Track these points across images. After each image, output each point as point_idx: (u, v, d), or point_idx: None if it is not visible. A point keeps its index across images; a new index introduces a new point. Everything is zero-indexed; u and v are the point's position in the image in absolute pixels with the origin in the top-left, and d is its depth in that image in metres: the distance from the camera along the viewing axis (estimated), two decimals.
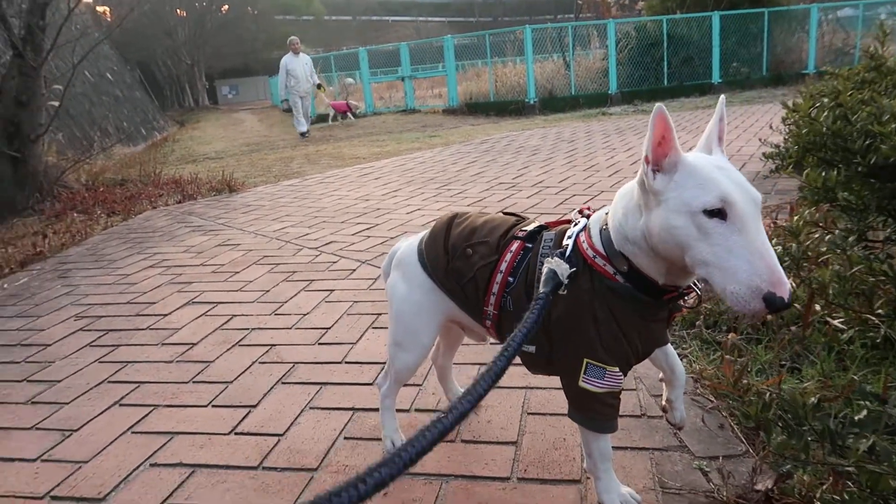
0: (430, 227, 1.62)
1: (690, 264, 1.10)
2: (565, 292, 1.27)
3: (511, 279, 1.39)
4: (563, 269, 1.23)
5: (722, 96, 1.31)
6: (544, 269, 1.25)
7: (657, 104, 1.15)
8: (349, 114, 15.18)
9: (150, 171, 7.94)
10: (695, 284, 1.26)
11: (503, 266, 1.40)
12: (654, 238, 1.15)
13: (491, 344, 2.34)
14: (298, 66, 12.76)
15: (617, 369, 1.29)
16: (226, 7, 48.09)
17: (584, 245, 1.30)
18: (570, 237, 1.33)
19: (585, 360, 1.28)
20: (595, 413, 1.31)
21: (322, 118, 15.91)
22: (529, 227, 1.43)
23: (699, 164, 1.14)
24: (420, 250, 1.57)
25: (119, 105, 18.19)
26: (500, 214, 1.57)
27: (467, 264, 1.46)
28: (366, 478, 0.73)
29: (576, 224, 1.36)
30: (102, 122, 15.06)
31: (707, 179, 1.10)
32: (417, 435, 0.82)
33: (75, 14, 7.62)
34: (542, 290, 1.19)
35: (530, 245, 1.41)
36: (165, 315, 2.97)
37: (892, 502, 1.17)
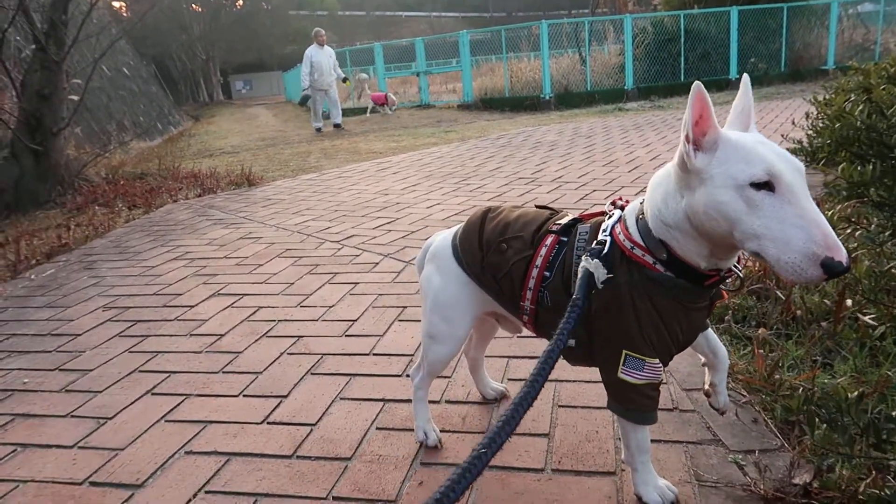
0: (451, 221, 1.63)
1: (740, 239, 1.10)
2: (601, 286, 1.27)
3: (547, 273, 1.39)
4: (601, 273, 1.24)
5: (745, 75, 1.30)
6: (580, 269, 1.26)
7: (696, 82, 1.15)
8: (385, 106, 14.54)
9: (169, 165, 8.00)
10: (735, 267, 1.26)
11: (538, 261, 1.40)
12: (699, 217, 1.14)
13: (518, 337, 2.34)
14: (323, 58, 12.32)
15: (657, 361, 1.29)
16: (240, 2, 48.29)
17: (621, 237, 1.29)
18: (605, 231, 1.32)
19: (624, 352, 1.29)
20: (634, 404, 1.32)
21: (361, 111, 15.81)
22: (563, 221, 1.43)
23: (741, 139, 1.15)
24: (454, 245, 1.58)
25: (135, 100, 18.33)
26: (534, 208, 1.57)
27: (502, 259, 1.46)
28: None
29: (610, 216, 1.36)
30: (119, 117, 15.18)
31: (751, 153, 1.11)
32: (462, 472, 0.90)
33: (94, 10, 7.66)
34: (576, 294, 1.21)
35: (565, 238, 1.41)
36: (192, 307, 3.00)
37: None
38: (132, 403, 2.12)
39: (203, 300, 3.07)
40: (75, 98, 6.93)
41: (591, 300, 1.28)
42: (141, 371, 2.36)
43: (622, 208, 1.37)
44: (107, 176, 7.23)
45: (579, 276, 1.24)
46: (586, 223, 1.42)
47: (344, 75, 13.46)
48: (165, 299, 3.14)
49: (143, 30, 29.21)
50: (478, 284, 1.54)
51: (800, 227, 1.04)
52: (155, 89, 23.38)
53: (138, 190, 6.46)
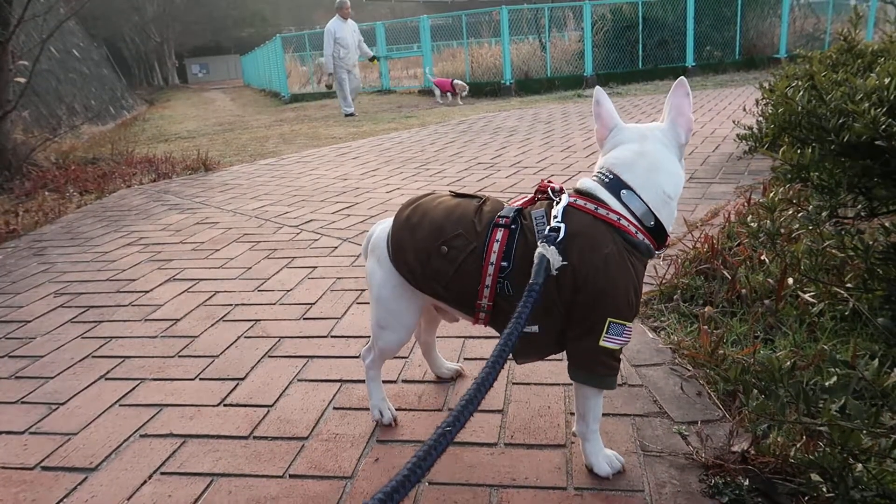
0: None
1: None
2: (555, 272, 1.29)
3: (505, 263, 1.40)
4: (556, 260, 1.27)
5: (682, 78, 1.50)
6: (536, 254, 1.28)
7: (680, 77, 1.39)
8: (448, 94, 12.27)
9: (123, 150, 7.81)
10: None
11: (493, 257, 1.40)
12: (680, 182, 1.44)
13: None
14: (348, 32, 10.78)
15: (631, 324, 1.37)
16: None
17: (600, 210, 1.36)
18: (556, 217, 1.35)
19: (609, 320, 1.34)
20: (605, 369, 1.38)
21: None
22: (507, 214, 1.44)
23: None
24: (391, 256, 1.56)
25: (86, 83, 17.78)
26: (453, 199, 1.56)
27: (446, 262, 1.45)
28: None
29: (557, 202, 1.39)
30: (70, 100, 14.72)
31: None
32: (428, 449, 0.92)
33: None
34: (533, 279, 1.22)
35: (514, 227, 1.42)
36: (147, 292, 2.96)
37: (860, 458, 1.24)
38: (85, 389, 2.09)
39: (158, 285, 3.04)
40: (22, 80, 6.71)
41: (575, 273, 1.33)
42: (94, 356, 2.33)
43: (557, 191, 1.42)
44: (57, 161, 7.03)
45: (535, 262, 1.27)
46: (539, 209, 1.44)
47: (372, 53, 11.82)
48: (119, 285, 3.09)
49: (93, 10, 28.33)
50: (422, 291, 1.54)
51: None
52: (107, 72, 22.71)
53: (90, 175, 6.30)
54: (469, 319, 1.54)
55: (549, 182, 1.46)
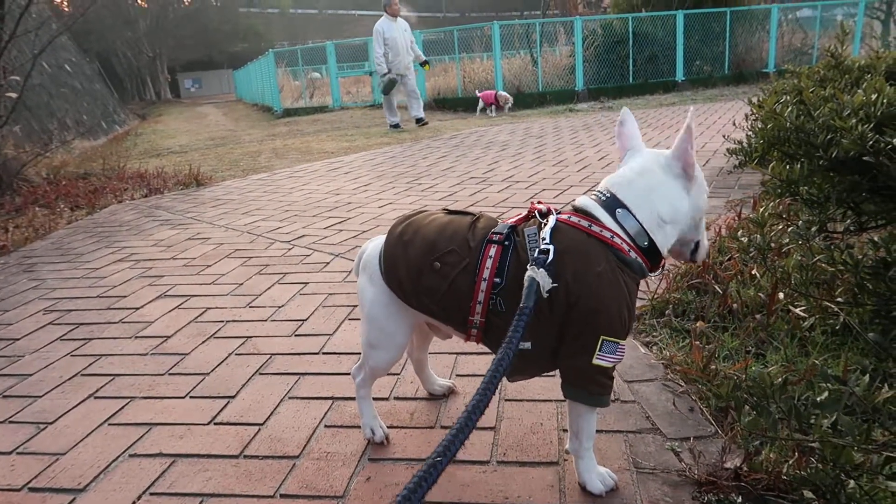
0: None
1: (694, 229, 1.46)
2: (546, 296, 1.29)
3: (498, 280, 1.40)
4: (546, 282, 1.27)
5: (625, 108, 1.55)
6: (526, 277, 1.28)
7: (690, 110, 1.41)
8: (492, 107, 11.77)
9: (114, 165, 7.80)
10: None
11: (486, 273, 1.40)
12: (689, 213, 1.43)
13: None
14: (398, 33, 9.67)
15: (625, 342, 1.37)
16: None
17: (594, 228, 1.37)
18: (545, 239, 1.36)
19: (602, 338, 1.34)
20: (598, 387, 1.38)
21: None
22: (498, 229, 1.45)
23: None
24: (382, 271, 1.55)
25: (78, 97, 17.76)
26: (446, 215, 1.56)
27: (439, 278, 1.45)
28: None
29: (545, 224, 1.40)
30: (61, 115, 14.69)
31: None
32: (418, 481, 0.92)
33: (33, 4, 7.41)
34: (524, 303, 1.23)
35: (507, 243, 1.43)
36: (137, 308, 2.94)
37: (852, 475, 1.24)
38: (74, 408, 2.07)
39: (149, 302, 3.02)
40: (13, 95, 6.70)
41: (567, 291, 1.33)
42: (83, 374, 2.31)
43: (545, 213, 1.44)
44: (48, 176, 7.01)
45: (526, 285, 1.26)
46: (532, 226, 1.45)
47: (424, 58, 10.60)
48: (109, 301, 3.07)
49: (85, 25, 28.38)
50: (413, 308, 1.53)
51: None
52: (99, 87, 22.70)
53: (81, 190, 6.28)
54: (461, 336, 1.53)
55: (539, 203, 1.47)
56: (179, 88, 50.50)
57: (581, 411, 1.43)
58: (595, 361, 1.34)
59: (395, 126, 10.13)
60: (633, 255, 1.37)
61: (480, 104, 12.00)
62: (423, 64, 10.57)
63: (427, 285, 1.46)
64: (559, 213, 1.43)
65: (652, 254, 1.39)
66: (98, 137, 16.09)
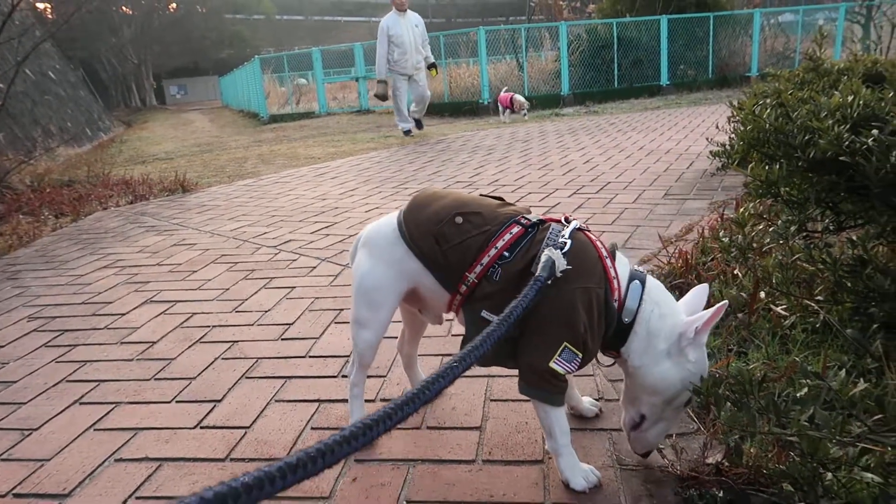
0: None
1: (649, 401, 1.45)
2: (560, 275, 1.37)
3: (507, 254, 1.47)
4: (562, 263, 1.36)
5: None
6: (544, 255, 1.37)
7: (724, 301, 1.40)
8: (508, 111, 11.22)
9: (99, 172, 7.75)
10: None
11: (500, 242, 1.48)
12: (662, 374, 1.41)
13: (453, 335, 2.39)
14: (405, 30, 8.71)
15: (581, 355, 1.40)
16: (174, 5, 47.07)
17: (608, 261, 1.45)
18: (565, 235, 1.44)
19: (565, 344, 1.38)
20: (551, 386, 1.42)
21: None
22: (532, 218, 1.54)
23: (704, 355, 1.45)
24: (399, 220, 1.61)
25: (62, 104, 17.64)
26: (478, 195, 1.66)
27: (456, 230, 1.51)
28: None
29: (566, 226, 1.49)
30: (45, 122, 14.59)
31: (706, 368, 1.45)
32: (436, 377, 0.93)
33: (16, 10, 7.37)
34: (540, 273, 1.32)
35: (531, 230, 1.50)
36: (123, 314, 2.93)
37: (830, 468, 1.26)
38: (59, 414, 2.06)
39: (134, 308, 3.01)
40: None
41: (551, 284, 1.37)
42: (68, 381, 2.30)
43: (568, 221, 1.52)
44: (32, 183, 6.96)
45: (542, 261, 1.35)
46: (549, 223, 1.52)
47: (433, 60, 9.49)
48: (95, 308, 3.06)
49: (69, 32, 28.20)
50: (417, 254, 1.57)
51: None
52: (84, 94, 22.55)
53: (66, 197, 6.24)
54: (444, 302, 1.58)
55: (573, 217, 1.54)
56: (165, 95, 50.29)
57: (545, 409, 1.46)
58: (551, 364, 1.39)
59: (408, 133, 9.39)
60: (615, 306, 1.41)
61: (500, 107, 11.51)
62: (431, 67, 9.44)
63: (442, 231, 1.52)
64: (591, 232, 1.52)
65: (621, 335, 1.43)
66: (83, 144, 15.98)
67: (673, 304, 1.47)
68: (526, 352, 1.43)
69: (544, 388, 1.42)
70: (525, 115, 11.19)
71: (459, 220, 1.52)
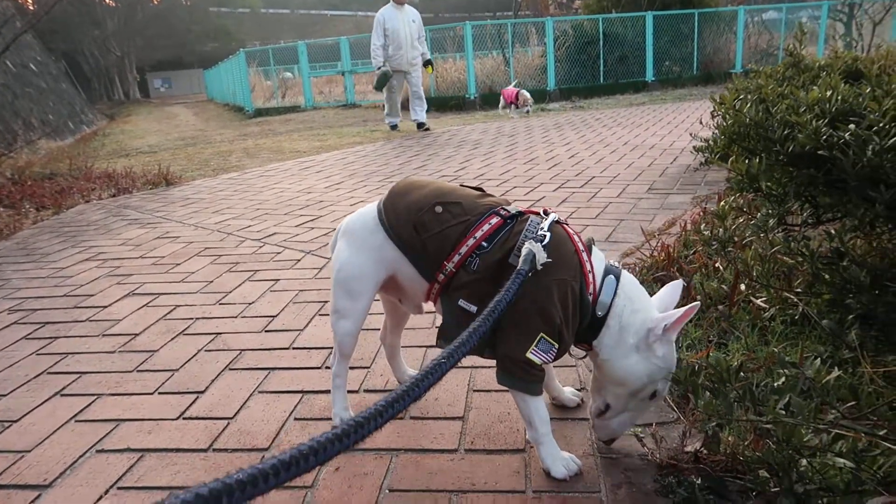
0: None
1: (615, 391, 1.48)
2: (540, 268, 1.38)
3: (485, 244, 1.48)
4: (542, 256, 1.37)
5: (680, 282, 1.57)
6: (524, 249, 1.38)
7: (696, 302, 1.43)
8: (513, 105, 10.98)
9: (81, 165, 7.67)
10: None
11: (479, 233, 1.49)
12: (628, 366, 1.43)
13: (436, 327, 2.40)
14: (401, 24, 8.52)
15: (557, 346, 1.42)
16: None
17: (584, 255, 1.46)
18: (544, 228, 1.46)
19: (541, 335, 1.40)
20: (529, 376, 1.44)
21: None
22: (511, 210, 1.55)
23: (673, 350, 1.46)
24: (379, 208, 1.63)
25: (44, 97, 17.42)
26: (460, 185, 1.67)
27: (435, 219, 1.53)
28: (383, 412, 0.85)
29: (545, 219, 1.50)
30: (26, 115, 14.41)
31: (674, 365, 1.46)
32: (422, 377, 0.95)
33: None
34: (521, 266, 1.33)
35: (510, 221, 1.52)
36: (105, 307, 2.91)
37: (804, 454, 1.29)
38: (40, 405, 2.05)
39: (117, 300, 2.99)
40: None
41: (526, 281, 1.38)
42: (49, 373, 2.29)
43: (546, 214, 1.54)
44: (12, 176, 6.87)
45: (523, 254, 1.37)
46: (527, 216, 1.53)
47: (429, 56, 9.31)
48: (76, 300, 3.04)
49: (51, 24, 27.85)
50: (396, 242, 1.58)
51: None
52: (66, 86, 22.29)
53: (47, 190, 6.18)
54: (422, 291, 1.60)
55: (552, 211, 1.56)
56: (149, 88, 49.77)
57: (524, 399, 1.48)
58: (528, 355, 1.41)
59: (394, 127, 9.19)
60: (590, 299, 1.43)
61: (502, 102, 11.35)
62: (427, 64, 9.20)
63: (422, 220, 1.53)
64: (569, 225, 1.54)
65: (594, 328, 1.45)
66: (65, 137, 15.80)
67: (646, 300, 1.49)
68: (504, 342, 1.45)
69: (522, 377, 1.44)
70: (529, 111, 10.87)
71: (439, 209, 1.53)
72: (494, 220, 1.51)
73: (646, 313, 1.45)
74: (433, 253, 1.53)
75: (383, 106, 9.56)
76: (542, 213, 1.54)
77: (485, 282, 1.46)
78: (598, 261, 1.49)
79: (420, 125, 9.14)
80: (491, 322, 1.15)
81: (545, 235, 1.43)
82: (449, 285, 1.53)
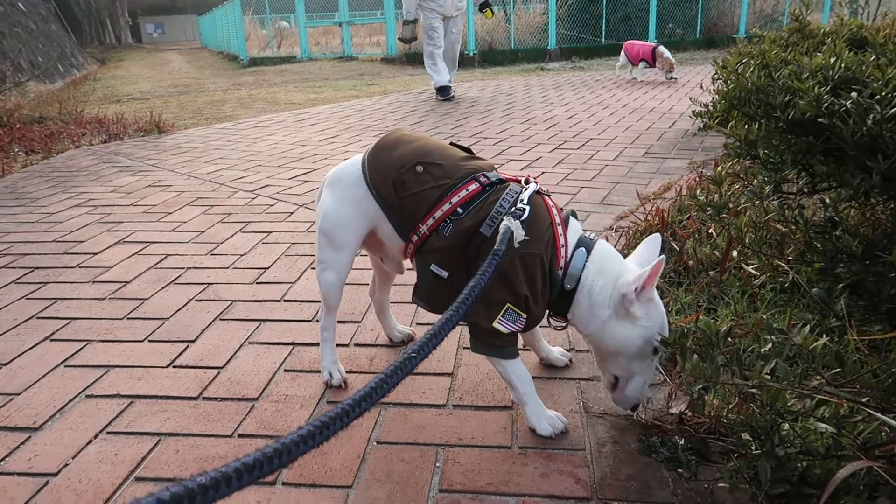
0: None
1: (615, 361, 1.46)
2: (517, 245, 1.37)
3: (460, 210, 1.47)
4: (520, 234, 1.36)
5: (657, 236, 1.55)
6: (502, 226, 1.36)
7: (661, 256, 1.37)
8: (643, 64, 8.43)
9: (72, 110, 7.54)
10: None
11: (455, 198, 1.47)
12: (615, 336, 1.42)
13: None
14: None
15: (525, 316, 1.43)
16: None
17: (559, 229, 1.44)
18: (524, 200, 1.44)
19: (508, 305, 1.40)
20: (499, 341, 1.45)
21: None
22: (491, 177, 1.52)
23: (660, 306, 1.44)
24: (363, 160, 1.61)
25: (33, 38, 17.00)
26: (449, 144, 1.64)
27: (415, 179, 1.51)
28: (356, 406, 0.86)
29: (525, 189, 1.48)
30: (14, 56, 14.08)
31: (665, 323, 1.43)
32: (392, 371, 0.94)
33: None
34: (498, 246, 1.31)
35: (488, 188, 1.49)
36: (95, 254, 2.90)
37: (787, 418, 1.30)
38: (29, 350, 2.05)
39: (107, 247, 2.97)
40: None
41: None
42: (39, 318, 2.28)
43: (527, 182, 1.52)
44: (1, 119, 6.75)
45: (501, 231, 1.35)
46: (508, 184, 1.51)
47: None
48: (66, 246, 3.02)
49: None
50: (376, 197, 1.57)
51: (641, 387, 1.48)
52: (55, 28, 21.76)
53: (37, 134, 6.08)
54: (399, 249, 1.61)
55: (534, 180, 1.53)
56: (141, 33, 48.67)
57: (501, 363, 1.50)
58: (495, 324, 1.41)
59: (444, 91, 7.26)
60: (559, 274, 1.43)
61: (622, 60, 8.69)
62: (484, 7, 7.44)
63: (401, 178, 1.52)
64: (550, 196, 1.52)
65: (563, 301, 1.45)
66: (54, 81, 15.48)
67: (618, 268, 1.45)
68: (472, 312, 1.43)
69: (493, 342, 1.46)
70: (672, 77, 8.30)
71: (420, 168, 1.51)
72: (473, 187, 1.48)
73: (617, 281, 1.42)
74: (409, 213, 1.52)
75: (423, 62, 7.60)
76: (523, 182, 1.52)
77: (455, 250, 1.46)
78: (573, 233, 1.48)
79: (442, 89, 7.37)
80: (465, 310, 1.13)
81: (524, 209, 1.41)
82: (422, 248, 1.53)
